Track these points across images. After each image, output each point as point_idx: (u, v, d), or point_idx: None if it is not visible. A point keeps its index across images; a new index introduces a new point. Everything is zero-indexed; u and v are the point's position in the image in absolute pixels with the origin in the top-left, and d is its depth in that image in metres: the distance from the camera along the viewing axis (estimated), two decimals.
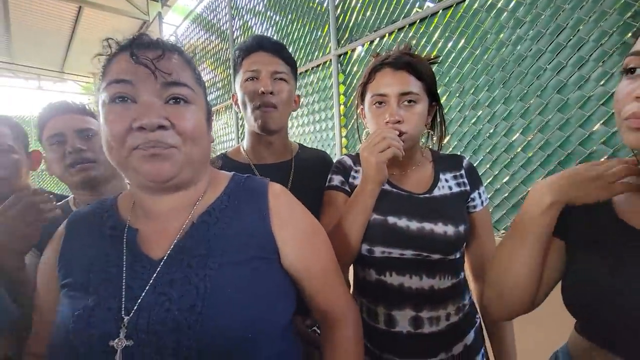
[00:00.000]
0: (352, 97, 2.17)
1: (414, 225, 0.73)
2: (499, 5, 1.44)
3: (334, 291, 0.60)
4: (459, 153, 1.57)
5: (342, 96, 2.23)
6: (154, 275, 0.46)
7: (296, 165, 0.93)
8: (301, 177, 0.91)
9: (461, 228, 0.74)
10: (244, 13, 3.19)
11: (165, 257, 0.47)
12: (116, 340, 0.42)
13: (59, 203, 0.88)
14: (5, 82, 7.57)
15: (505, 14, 1.42)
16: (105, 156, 0.80)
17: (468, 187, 0.79)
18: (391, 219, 0.74)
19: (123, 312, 0.44)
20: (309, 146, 1.14)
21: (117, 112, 0.44)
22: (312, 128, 2.49)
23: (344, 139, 2.23)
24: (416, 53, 0.79)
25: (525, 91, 1.36)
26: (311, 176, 0.90)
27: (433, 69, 0.78)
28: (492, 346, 0.83)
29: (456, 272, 0.77)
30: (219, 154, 0.96)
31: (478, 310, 0.83)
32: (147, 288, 0.45)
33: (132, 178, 0.48)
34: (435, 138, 0.84)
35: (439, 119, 0.82)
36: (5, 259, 0.63)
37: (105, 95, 0.45)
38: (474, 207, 0.80)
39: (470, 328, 0.77)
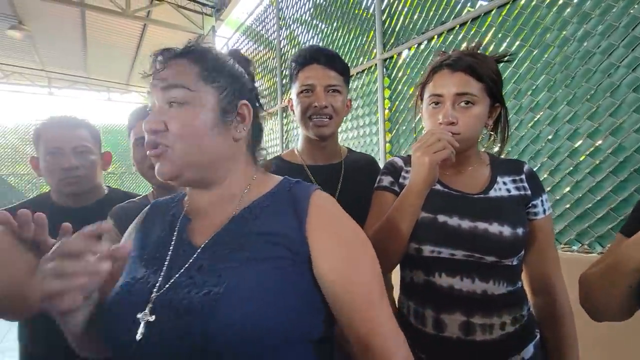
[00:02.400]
0: (397, 102, 2.13)
1: (465, 224, 0.69)
2: None
3: (378, 317, 0.49)
4: (515, 158, 1.47)
5: (387, 101, 2.19)
6: (190, 260, 0.49)
7: (346, 167, 0.98)
8: (350, 178, 0.96)
9: (519, 230, 0.68)
10: (290, 23, 3.29)
11: (203, 245, 0.50)
12: (142, 314, 0.44)
13: (138, 199, 0.95)
14: (80, 95, 8.51)
15: (570, 8, 1.31)
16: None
17: (529, 192, 0.74)
18: (441, 217, 0.71)
19: (155, 289, 0.47)
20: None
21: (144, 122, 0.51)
22: (355, 133, 2.47)
23: (387, 144, 2.19)
24: (484, 52, 0.77)
25: (593, 91, 1.23)
26: (360, 178, 0.93)
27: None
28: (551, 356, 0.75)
29: (513, 280, 0.71)
30: (273, 156, 1.03)
31: (538, 324, 0.76)
32: (181, 271, 0.48)
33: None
34: (496, 141, 0.79)
35: (502, 122, 0.78)
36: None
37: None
38: (535, 214, 0.74)
39: (528, 342, 0.71)
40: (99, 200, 1.04)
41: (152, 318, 0.44)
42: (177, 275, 0.48)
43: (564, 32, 1.33)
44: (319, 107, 0.88)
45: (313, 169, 0.96)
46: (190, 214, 0.57)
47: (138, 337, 0.43)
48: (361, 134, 2.42)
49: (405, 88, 2.06)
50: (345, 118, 2.75)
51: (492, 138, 0.80)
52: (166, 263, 0.50)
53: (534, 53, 1.42)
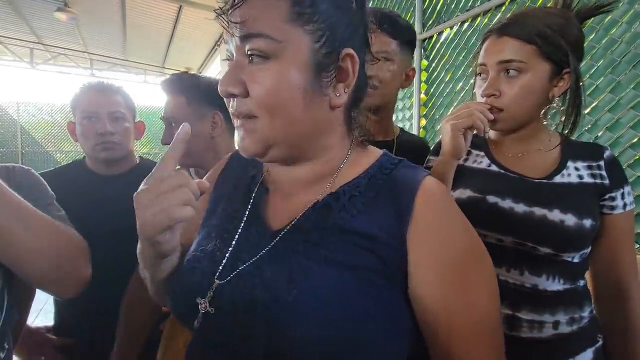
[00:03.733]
0: (434, 86, 2.01)
1: (520, 208, 0.62)
2: None
3: (481, 357, 0.39)
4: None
5: (423, 84, 2.08)
6: (262, 249, 0.41)
7: (398, 145, 0.92)
8: (403, 156, 0.89)
9: (587, 222, 0.59)
10: None
11: (281, 233, 0.42)
12: (202, 302, 0.40)
13: None
14: (120, 77, 8.86)
15: None
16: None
17: (607, 182, 0.63)
18: (492, 199, 0.64)
19: (217, 276, 0.41)
20: None
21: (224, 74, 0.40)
22: None
23: (422, 130, 2.09)
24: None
25: None
26: (412, 158, 0.86)
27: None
28: None
29: (572, 277, 0.63)
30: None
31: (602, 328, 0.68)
32: (252, 260, 0.41)
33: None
34: (564, 117, 0.66)
35: (571, 94, 0.65)
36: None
37: None
38: (612, 208, 0.64)
39: (588, 346, 0.63)
40: (131, 169, 1.05)
41: (212, 310, 0.39)
42: (245, 265, 0.41)
43: (636, 6, 1.17)
44: None
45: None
46: (270, 183, 0.48)
47: (196, 326, 0.39)
48: (395, 118, 2.32)
49: (444, 71, 1.94)
50: None
51: (560, 119, 0.68)
52: (234, 242, 0.43)
53: (597, 30, 1.27)
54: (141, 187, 0.39)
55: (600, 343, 0.65)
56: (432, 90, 2.04)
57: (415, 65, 2.08)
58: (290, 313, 0.36)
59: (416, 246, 0.38)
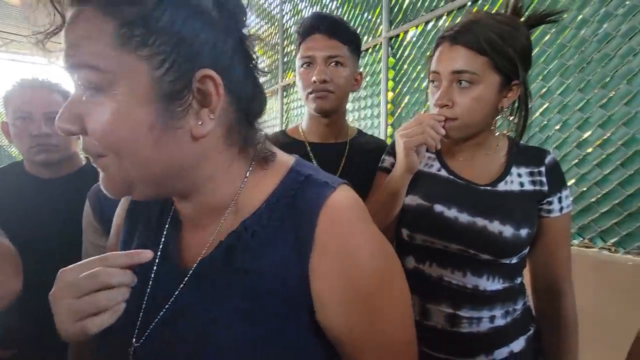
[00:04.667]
0: (400, 84, 2.04)
1: (464, 218, 0.65)
2: None
3: None
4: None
5: (390, 82, 2.11)
6: (175, 293, 0.39)
7: (351, 147, 0.93)
8: (355, 160, 0.90)
9: (523, 232, 0.63)
10: None
11: (189, 273, 0.39)
12: (130, 350, 0.39)
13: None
14: None
15: None
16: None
17: (546, 188, 0.67)
18: (438, 207, 0.67)
19: (135, 337, 0.39)
20: None
21: None
22: (357, 115, 2.40)
23: (389, 128, 2.12)
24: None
25: (610, 77, 1.16)
26: (365, 162, 0.88)
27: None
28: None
29: (510, 276, 0.67)
30: (278, 130, 1.00)
31: (534, 317, 0.73)
32: (166, 306, 0.39)
33: None
34: (513, 125, 0.70)
35: (520, 104, 0.68)
36: None
37: None
38: (549, 211, 0.68)
39: (520, 334, 0.68)
40: (75, 171, 0.99)
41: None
42: (162, 312, 0.39)
43: (584, 12, 1.23)
44: (318, 81, 0.81)
45: (315, 146, 0.91)
46: (180, 214, 0.44)
47: None
48: (362, 115, 2.35)
49: (411, 69, 1.97)
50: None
51: (509, 122, 0.72)
52: (150, 284, 0.41)
53: (549, 35, 1.33)
54: (55, 283, 0.36)
55: (532, 331, 0.70)
56: (399, 87, 2.07)
57: (382, 62, 2.11)
58: None
59: (318, 277, 0.36)
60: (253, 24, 4.02)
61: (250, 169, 0.41)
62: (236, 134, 0.39)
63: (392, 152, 0.77)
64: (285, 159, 0.44)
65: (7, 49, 7.28)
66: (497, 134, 0.72)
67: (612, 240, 1.17)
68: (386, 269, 0.39)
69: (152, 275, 0.42)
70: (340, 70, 0.84)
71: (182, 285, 0.39)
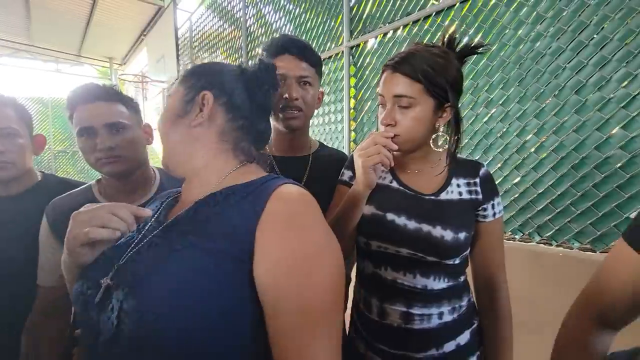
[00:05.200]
0: (362, 91, 2.13)
1: (412, 224, 0.72)
2: None
3: (305, 345, 0.41)
4: (469, 151, 1.54)
5: (352, 89, 2.19)
6: (149, 235, 0.52)
7: (313, 160, 0.97)
8: (317, 172, 0.95)
9: (461, 235, 0.72)
10: (257, 1, 3.16)
11: (165, 224, 0.52)
12: (104, 279, 0.47)
13: (79, 190, 0.90)
14: (24, 64, 7.71)
15: (526, 8, 1.36)
16: (132, 150, 0.89)
17: (480, 197, 0.76)
18: (390, 216, 0.74)
19: (121, 259, 0.50)
20: (317, 139, 1.17)
21: None
22: (320, 120, 2.46)
23: (352, 133, 2.20)
24: (439, 44, 0.74)
25: (542, 90, 1.31)
26: (327, 173, 0.93)
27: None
28: (487, 349, 0.80)
29: (454, 275, 0.76)
30: None
31: (478, 312, 0.82)
32: (139, 245, 0.51)
33: None
34: (451, 141, 0.77)
35: (454, 122, 0.74)
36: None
37: None
38: (485, 217, 0.77)
39: (465, 328, 0.76)
40: (30, 187, 0.96)
41: (112, 282, 0.46)
42: (133, 250, 0.50)
43: (520, 32, 1.38)
44: (290, 98, 0.86)
45: (279, 159, 0.95)
46: (178, 198, 0.62)
47: (97, 299, 0.46)
48: (326, 121, 2.41)
49: (372, 77, 2.07)
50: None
51: (446, 139, 0.79)
52: (140, 236, 0.53)
53: (492, 50, 1.47)
54: (83, 207, 0.51)
55: (476, 324, 0.79)
56: (360, 93, 2.16)
57: (345, 70, 2.19)
58: (144, 283, 0.44)
59: (261, 236, 0.45)
60: (216, 26, 3.97)
61: (235, 169, 0.57)
62: (228, 137, 0.58)
63: (351, 167, 0.84)
64: (262, 174, 0.58)
65: None
66: (440, 150, 0.79)
67: (546, 235, 1.32)
68: (324, 242, 0.46)
69: (142, 233, 0.54)
70: (309, 89, 0.90)
71: (156, 230, 0.52)
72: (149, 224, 0.56)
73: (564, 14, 1.25)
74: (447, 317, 0.73)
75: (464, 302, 0.77)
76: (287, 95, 0.86)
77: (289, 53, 0.87)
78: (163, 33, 4.74)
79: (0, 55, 7.20)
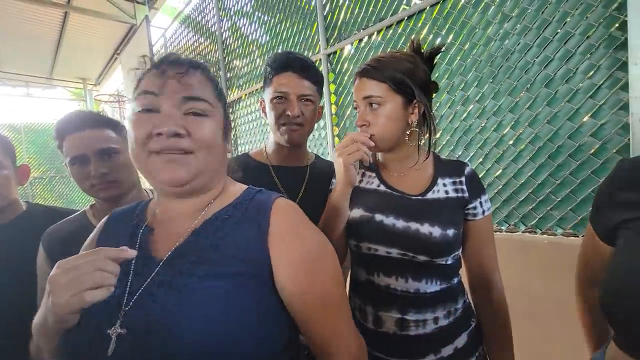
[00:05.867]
0: (342, 97, 2.17)
1: (400, 223, 0.74)
2: (486, 0, 1.44)
3: (332, 327, 0.52)
4: (450, 148, 1.58)
5: (332, 95, 2.22)
6: (152, 275, 0.49)
7: (311, 171, 1.00)
8: (314, 183, 0.98)
9: (449, 232, 0.73)
10: (232, 14, 3.17)
11: (164, 259, 0.50)
12: (112, 329, 0.45)
13: (73, 216, 0.89)
14: None
15: (492, 9, 1.43)
16: (126, 173, 0.86)
17: (467, 195, 0.77)
18: (378, 217, 0.75)
19: (124, 304, 0.47)
20: None
21: (142, 120, 0.50)
22: None
23: (336, 138, 2.23)
24: (404, 50, 0.80)
25: (514, 86, 1.36)
26: (323, 184, 0.96)
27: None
28: (487, 346, 0.82)
29: (447, 277, 0.76)
30: (242, 153, 1.05)
31: (475, 313, 0.83)
32: (143, 286, 0.48)
33: (151, 181, 0.53)
34: (424, 137, 0.81)
35: (427, 117, 0.79)
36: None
37: (133, 105, 0.52)
38: (474, 215, 0.78)
39: (462, 331, 0.77)
40: (15, 218, 0.95)
41: (124, 331, 0.44)
42: (139, 292, 0.47)
43: (488, 31, 1.44)
44: (292, 116, 0.89)
45: (278, 169, 0.97)
46: (154, 224, 0.57)
47: (110, 352, 0.43)
48: None
49: (350, 82, 2.10)
50: None
51: (421, 134, 0.82)
52: (130, 277, 0.50)
53: (464, 50, 1.52)
54: (55, 269, 0.43)
55: (473, 326, 0.80)
56: (341, 99, 2.19)
57: (324, 77, 2.22)
58: (181, 323, 0.43)
59: (275, 249, 0.51)
60: (192, 41, 3.95)
61: (226, 182, 0.60)
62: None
63: None
64: (242, 185, 0.62)
65: None
66: (415, 144, 0.81)
67: (531, 224, 1.36)
68: (323, 243, 0.55)
69: (132, 268, 0.51)
70: (310, 106, 0.93)
71: (158, 267, 0.50)
72: (134, 259, 0.51)
73: (527, 12, 1.32)
74: (443, 322, 0.74)
75: (459, 305, 0.78)
76: (289, 113, 0.89)
77: (292, 71, 0.90)
78: (137, 51, 4.68)
79: None
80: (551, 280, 1.27)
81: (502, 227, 1.46)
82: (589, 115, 1.19)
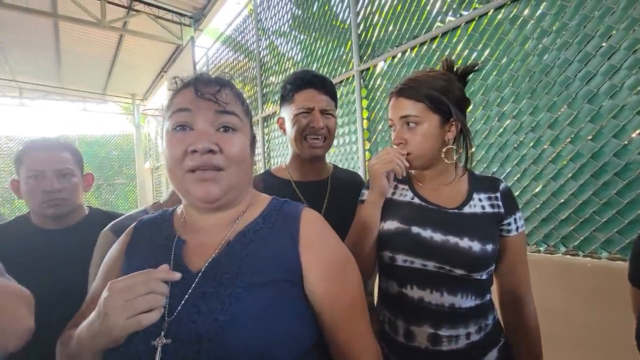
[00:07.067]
0: (374, 112, 2.19)
1: (438, 236, 0.73)
2: (523, 16, 1.43)
3: (356, 329, 0.55)
4: (485, 165, 1.55)
5: (365, 111, 2.26)
6: (191, 287, 0.50)
7: (332, 183, 1.03)
8: (337, 194, 1.01)
9: (488, 247, 0.72)
10: (270, 34, 3.34)
11: (202, 271, 0.52)
12: (157, 339, 0.46)
13: (134, 213, 0.94)
14: (55, 105, 8.25)
15: (530, 24, 1.41)
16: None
17: (502, 210, 0.77)
18: (415, 229, 0.75)
19: (166, 314, 0.48)
20: (332, 160, 1.22)
21: (177, 138, 0.52)
22: (335, 142, 2.52)
23: (367, 153, 2.25)
24: (436, 68, 0.82)
25: (554, 101, 1.33)
26: (346, 194, 0.99)
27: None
28: None
29: (481, 293, 0.75)
30: (262, 171, 1.08)
31: (503, 329, 0.81)
32: (185, 298, 0.49)
33: (186, 197, 0.56)
34: (461, 153, 0.82)
35: (463, 135, 0.80)
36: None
37: (169, 124, 0.54)
38: (508, 231, 0.77)
39: (492, 347, 0.75)
40: (80, 221, 1.05)
41: (169, 341, 0.46)
42: (182, 304, 0.49)
43: (526, 47, 1.42)
44: (317, 127, 0.93)
45: (300, 184, 1.01)
46: (185, 235, 0.58)
47: None
48: (341, 142, 2.47)
49: (383, 97, 2.13)
50: None
51: (459, 151, 0.82)
52: (168, 289, 0.50)
53: (500, 66, 1.51)
54: (106, 290, 0.44)
55: (502, 342, 0.77)
56: (373, 114, 2.22)
57: (356, 93, 2.26)
58: (228, 332, 0.45)
59: (305, 255, 0.54)
60: (231, 59, 4.19)
61: (253, 194, 0.63)
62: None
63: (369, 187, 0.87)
64: (266, 196, 0.65)
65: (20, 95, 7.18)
66: (452, 162, 0.81)
67: (572, 245, 1.29)
68: (347, 253, 0.59)
69: (169, 285, 0.50)
70: (331, 119, 0.98)
71: (197, 279, 0.51)
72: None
73: (568, 27, 1.29)
74: (475, 337, 0.73)
75: (490, 321, 0.76)
76: (314, 125, 0.93)
77: (314, 87, 0.95)
78: (182, 69, 5.02)
79: (33, 99, 7.74)
80: (595, 306, 1.19)
81: (540, 248, 1.39)
82: (637, 132, 1.13)
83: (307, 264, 0.53)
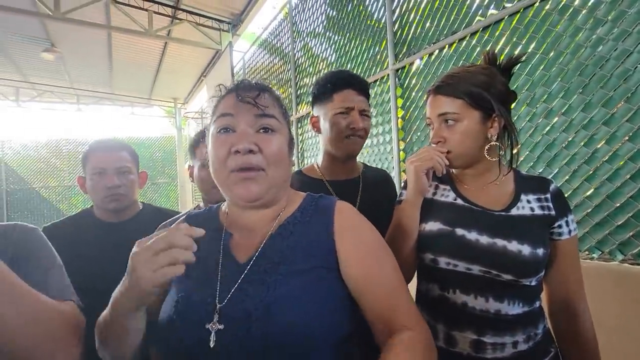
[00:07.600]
0: (409, 111, 2.15)
1: (484, 239, 0.69)
2: (574, 5, 1.33)
3: (398, 303, 0.55)
4: (530, 165, 1.46)
5: (400, 110, 2.22)
6: (241, 276, 0.55)
7: (363, 181, 1.05)
8: (368, 192, 1.02)
9: (539, 251, 0.67)
10: (304, 36, 3.38)
11: (250, 263, 0.56)
12: (211, 324, 0.50)
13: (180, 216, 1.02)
14: (106, 110, 8.90)
15: (582, 14, 1.31)
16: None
17: (553, 212, 0.72)
18: (459, 231, 0.72)
19: (217, 301, 0.53)
20: (366, 160, 1.23)
21: (222, 140, 0.57)
22: (369, 142, 2.50)
23: (401, 152, 2.21)
24: (478, 62, 0.78)
25: (610, 96, 1.22)
26: (376, 192, 1.00)
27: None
28: None
29: (530, 299, 0.70)
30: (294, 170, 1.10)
31: (554, 339, 0.75)
32: (235, 285, 0.54)
33: (229, 196, 0.60)
34: (505, 151, 0.77)
35: (508, 130, 0.75)
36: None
37: (213, 127, 0.59)
38: (560, 234, 0.72)
39: (542, 357, 0.70)
40: (135, 214, 1.16)
41: (222, 327, 0.50)
42: (233, 290, 0.54)
43: (577, 38, 1.32)
44: (357, 128, 0.96)
45: (332, 183, 1.02)
46: (231, 228, 0.63)
47: (212, 344, 0.49)
48: (375, 142, 2.45)
49: (419, 96, 2.08)
50: None
51: (503, 148, 0.78)
52: (219, 279, 0.56)
53: (548, 59, 1.42)
54: (135, 247, 0.48)
55: (553, 353, 0.72)
56: (408, 114, 2.17)
57: (391, 92, 2.23)
58: (275, 311, 0.50)
59: (340, 242, 0.58)
60: (267, 61, 4.29)
61: (290, 192, 0.66)
62: None
63: (407, 187, 0.84)
64: (302, 193, 0.68)
65: (40, 99, 7.90)
66: (495, 159, 0.76)
67: (631, 253, 1.18)
68: (381, 238, 0.62)
69: (220, 270, 0.56)
70: (368, 120, 1.00)
71: (246, 269, 0.55)
72: (220, 262, 0.57)
73: (626, 15, 1.18)
74: (522, 346, 0.68)
75: (540, 330, 0.71)
76: (354, 125, 0.95)
77: (352, 88, 0.97)
78: (220, 72, 5.23)
79: (87, 104, 8.42)
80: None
81: (594, 254, 1.29)
82: None
83: (341, 249, 0.57)
